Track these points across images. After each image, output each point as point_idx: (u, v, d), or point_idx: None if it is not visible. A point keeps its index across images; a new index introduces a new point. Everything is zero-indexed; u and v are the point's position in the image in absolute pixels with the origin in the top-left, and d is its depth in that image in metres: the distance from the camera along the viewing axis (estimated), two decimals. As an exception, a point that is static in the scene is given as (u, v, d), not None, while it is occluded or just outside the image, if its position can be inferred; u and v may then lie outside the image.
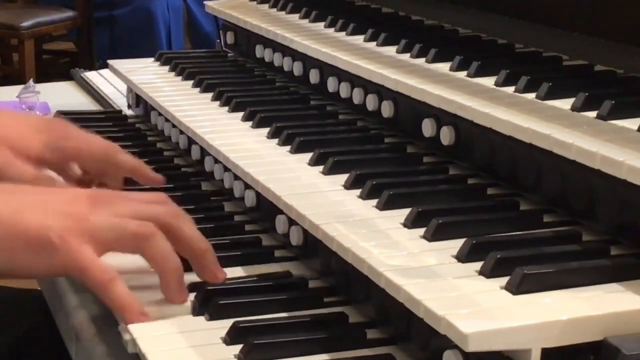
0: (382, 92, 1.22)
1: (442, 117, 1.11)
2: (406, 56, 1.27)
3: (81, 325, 1.02)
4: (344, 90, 1.31)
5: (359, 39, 1.38)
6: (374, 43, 1.34)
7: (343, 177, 1.08)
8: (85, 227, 0.93)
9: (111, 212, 0.95)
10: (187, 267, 1.01)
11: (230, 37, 1.72)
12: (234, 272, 1.03)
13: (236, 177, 1.19)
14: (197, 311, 0.95)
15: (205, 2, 1.78)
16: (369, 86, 1.25)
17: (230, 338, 0.89)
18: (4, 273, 0.93)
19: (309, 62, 1.42)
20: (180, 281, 0.96)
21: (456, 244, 0.89)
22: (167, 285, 0.96)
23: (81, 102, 1.82)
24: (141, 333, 0.90)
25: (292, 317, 0.94)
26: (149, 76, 1.59)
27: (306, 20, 1.54)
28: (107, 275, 0.92)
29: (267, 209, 1.11)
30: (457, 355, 0.77)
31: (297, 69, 1.45)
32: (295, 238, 1.04)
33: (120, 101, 1.73)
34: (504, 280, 0.82)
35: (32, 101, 1.72)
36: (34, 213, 0.93)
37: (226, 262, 1.03)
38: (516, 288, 0.80)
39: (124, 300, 0.93)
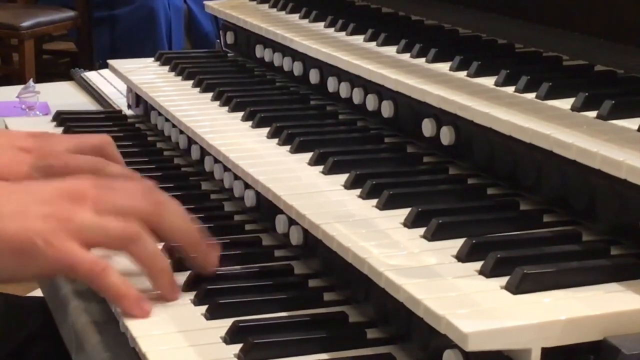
0: (382, 92, 1.22)
1: (442, 117, 1.11)
2: (406, 56, 1.27)
3: (84, 331, 1.01)
4: (344, 90, 1.31)
5: (359, 39, 1.38)
6: (374, 43, 1.34)
7: (343, 177, 1.08)
8: (69, 228, 0.92)
9: (93, 209, 0.94)
10: (180, 267, 1.01)
11: (230, 37, 1.71)
12: (234, 271, 1.03)
13: (236, 177, 1.18)
14: (196, 310, 0.95)
15: (205, 2, 1.78)
16: (369, 86, 1.25)
17: (230, 337, 0.89)
18: None
19: (309, 62, 1.41)
20: (170, 280, 0.96)
21: (456, 244, 0.89)
22: (157, 286, 0.96)
23: (81, 102, 1.82)
24: (141, 332, 0.90)
25: (292, 317, 0.94)
26: (149, 76, 1.59)
27: (306, 20, 1.54)
28: (98, 266, 0.92)
29: (267, 208, 1.11)
30: (457, 354, 0.77)
31: (297, 69, 1.45)
32: (295, 238, 1.04)
33: (120, 101, 1.73)
34: (503, 280, 0.82)
35: (32, 101, 1.71)
36: (14, 218, 0.91)
37: (226, 262, 1.03)
38: (516, 288, 0.80)
39: (119, 289, 0.92)
